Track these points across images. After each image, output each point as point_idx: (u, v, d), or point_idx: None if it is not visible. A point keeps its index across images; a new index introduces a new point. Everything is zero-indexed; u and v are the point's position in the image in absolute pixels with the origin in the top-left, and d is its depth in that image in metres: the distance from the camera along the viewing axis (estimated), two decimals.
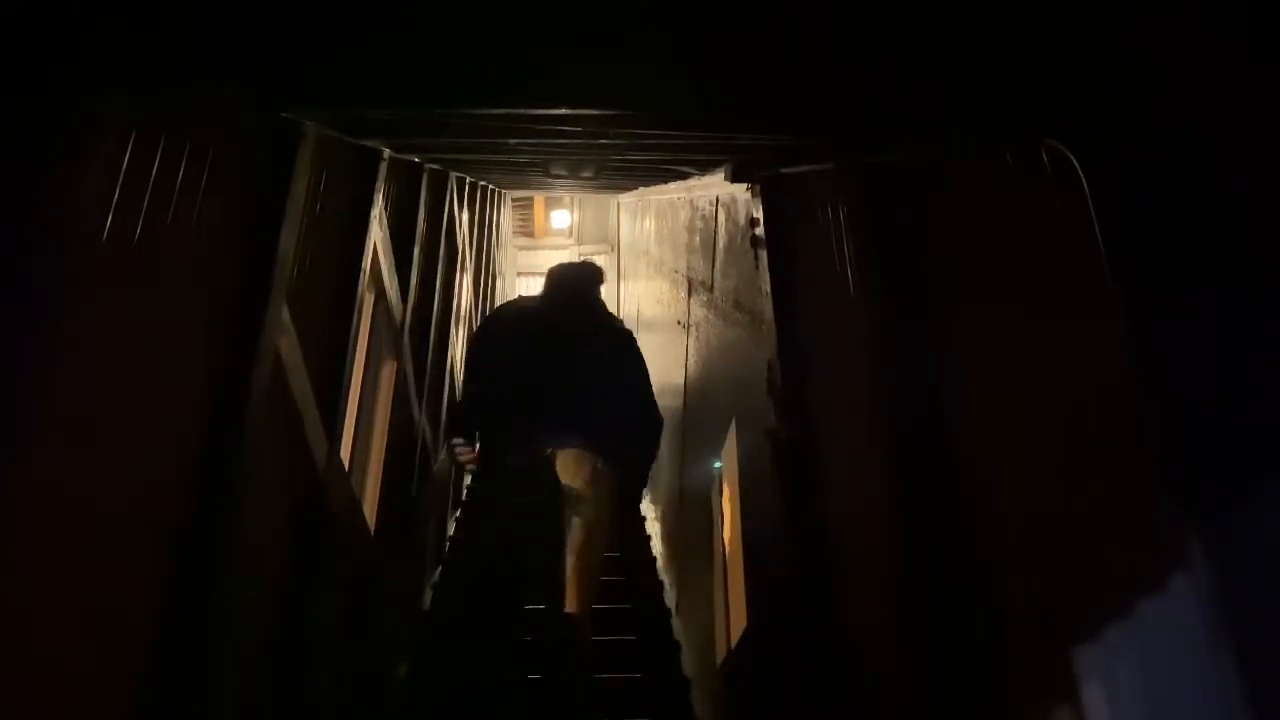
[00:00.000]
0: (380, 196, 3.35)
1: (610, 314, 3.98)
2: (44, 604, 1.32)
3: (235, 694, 2.12)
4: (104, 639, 1.51)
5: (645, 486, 3.95)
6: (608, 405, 3.45)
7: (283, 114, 2.18)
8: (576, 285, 3.81)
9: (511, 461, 3.38)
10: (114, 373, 1.48)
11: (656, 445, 3.70)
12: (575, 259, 5.76)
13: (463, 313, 7.00)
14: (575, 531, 3.23)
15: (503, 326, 3.84)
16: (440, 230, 5.32)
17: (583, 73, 1.47)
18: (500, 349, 3.66)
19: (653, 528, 6.56)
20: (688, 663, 4.86)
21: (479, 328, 4.16)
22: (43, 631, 1.32)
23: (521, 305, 4.02)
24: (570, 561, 3.21)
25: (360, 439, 3.83)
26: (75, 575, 1.40)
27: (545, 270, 4.00)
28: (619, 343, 3.71)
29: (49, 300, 1.28)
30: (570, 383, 3.45)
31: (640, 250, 8.75)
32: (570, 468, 3.29)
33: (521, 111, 1.85)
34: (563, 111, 1.60)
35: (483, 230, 8.33)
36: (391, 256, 3.93)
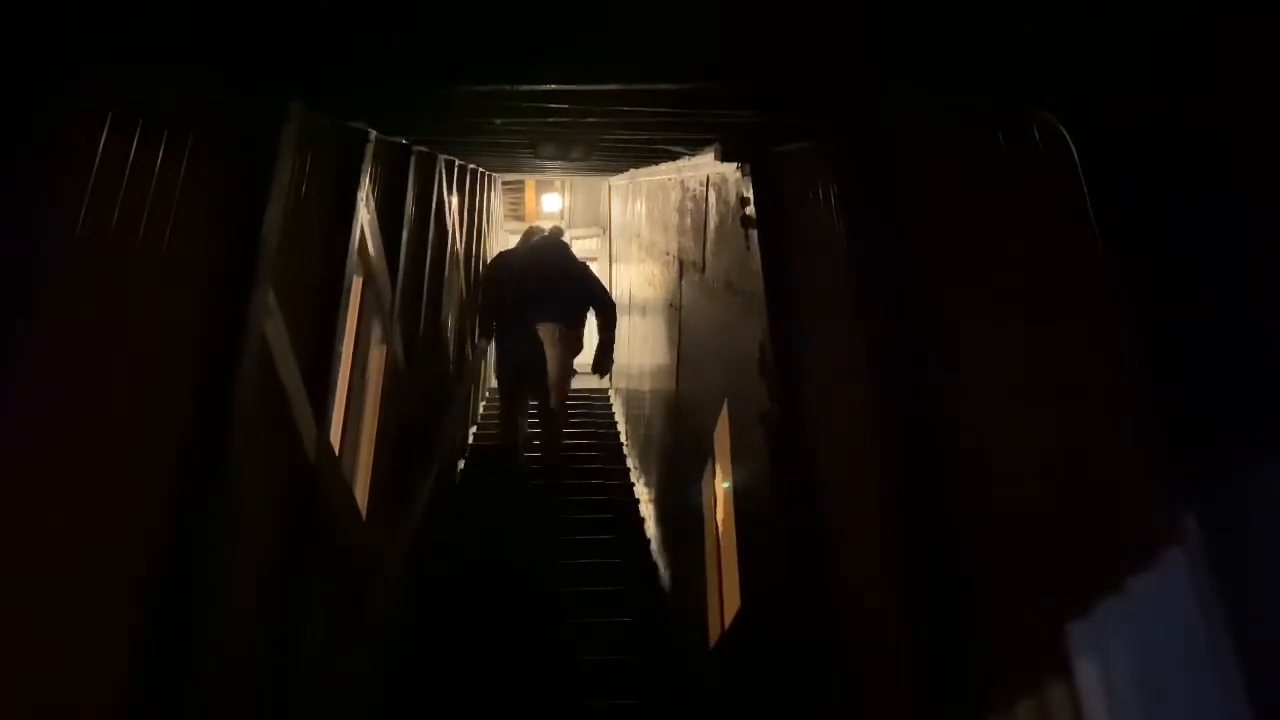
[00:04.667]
0: (367, 179, 3.31)
1: (572, 254, 6.95)
2: (38, 593, 1.30)
3: (226, 672, 2.11)
4: (99, 621, 1.50)
5: (613, 348, 6.70)
6: (575, 299, 6.53)
7: (265, 95, 2.16)
8: (549, 238, 6.97)
9: (514, 333, 6.55)
10: (100, 358, 1.46)
11: (614, 319, 6.69)
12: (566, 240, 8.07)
13: (454, 296, 6.97)
14: (551, 364, 6.52)
15: (508, 259, 7.02)
16: (429, 213, 5.28)
17: (569, 45, 1.45)
18: (506, 272, 6.80)
19: (646, 510, 6.57)
20: (681, 644, 4.88)
21: (491, 263, 7.45)
22: (38, 618, 1.31)
23: (516, 249, 7.09)
24: (550, 378, 6.56)
25: (351, 422, 3.80)
26: (68, 560, 1.39)
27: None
28: (580, 267, 6.78)
29: (33, 289, 1.26)
30: (549, 290, 6.45)
31: (632, 233, 8.72)
32: (548, 334, 6.43)
33: (509, 88, 1.83)
34: (550, 87, 1.57)
35: (473, 214, 8.26)
36: (380, 240, 3.89)
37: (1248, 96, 1.11)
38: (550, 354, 6.52)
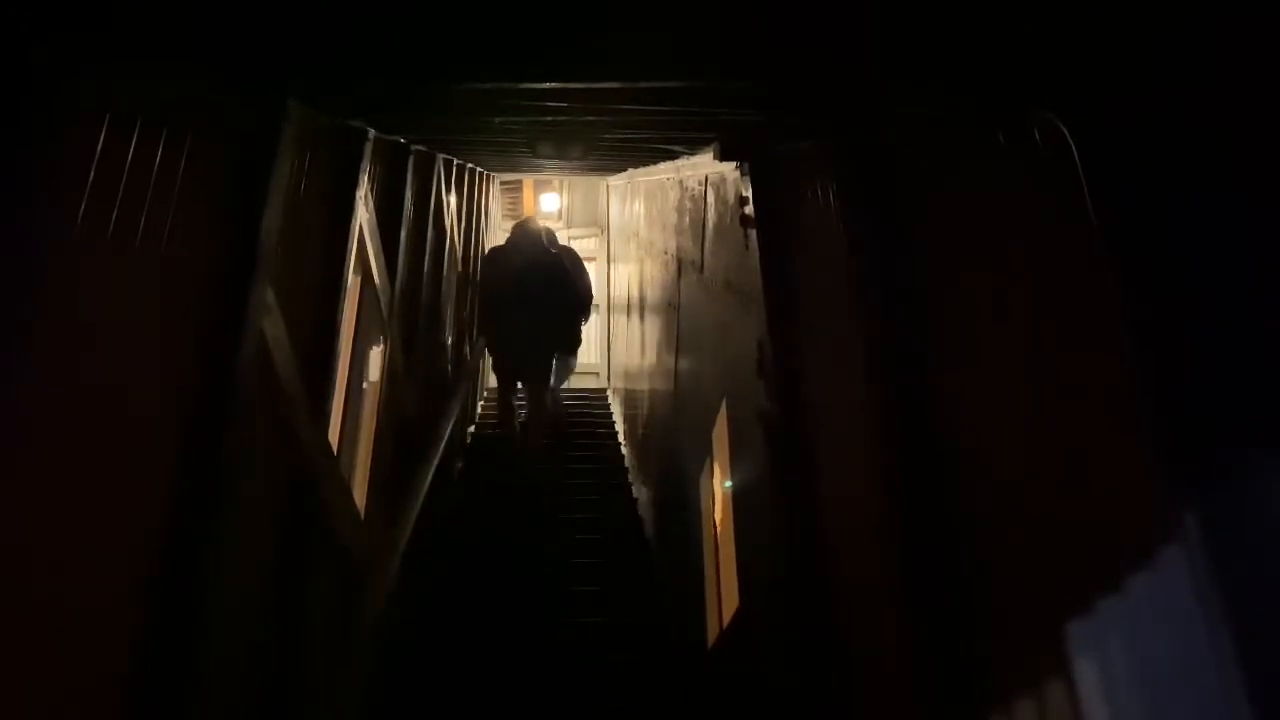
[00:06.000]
0: (366, 178, 3.31)
1: (557, 243, 7.20)
2: (38, 593, 1.30)
3: (226, 671, 2.11)
4: (99, 621, 1.50)
5: (584, 325, 7.28)
6: (564, 296, 6.91)
7: (264, 94, 2.15)
8: (535, 234, 7.06)
9: (513, 328, 6.86)
10: (99, 358, 1.46)
11: (588, 311, 7.26)
12: (565, 240, 8.59)
13: (452, 295, 6.97)
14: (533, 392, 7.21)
15: (500, 258, 7.16)
16: (428, 213, 5.27)
17: (568, 43, 1.45)
18: (499, 271, 7.02)
19: (644, 510, 6.57)
20: (680, 643, 4.87)
21: (483, 264, 7.73)
22: (38, 617, 1.31)
23: (504, 247, 7.23)
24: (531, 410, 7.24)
25: (350, 421, 3.80)
26: (68, 559, 1.39)
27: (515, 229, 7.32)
28: (565, 259, 7.05)
29: (33, 289, 1.25)
30: (539, 291, 6.76)
31: (630, 233, 8.71)
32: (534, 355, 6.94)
33: (508, 86, 1.82)
34: (550, 85, 1.57)
35: (471, 213, 8.25)
36: (378, 239, 3.89)
37: (1248, 96, 1.11)
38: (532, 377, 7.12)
